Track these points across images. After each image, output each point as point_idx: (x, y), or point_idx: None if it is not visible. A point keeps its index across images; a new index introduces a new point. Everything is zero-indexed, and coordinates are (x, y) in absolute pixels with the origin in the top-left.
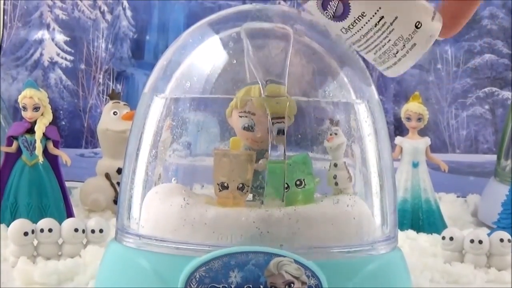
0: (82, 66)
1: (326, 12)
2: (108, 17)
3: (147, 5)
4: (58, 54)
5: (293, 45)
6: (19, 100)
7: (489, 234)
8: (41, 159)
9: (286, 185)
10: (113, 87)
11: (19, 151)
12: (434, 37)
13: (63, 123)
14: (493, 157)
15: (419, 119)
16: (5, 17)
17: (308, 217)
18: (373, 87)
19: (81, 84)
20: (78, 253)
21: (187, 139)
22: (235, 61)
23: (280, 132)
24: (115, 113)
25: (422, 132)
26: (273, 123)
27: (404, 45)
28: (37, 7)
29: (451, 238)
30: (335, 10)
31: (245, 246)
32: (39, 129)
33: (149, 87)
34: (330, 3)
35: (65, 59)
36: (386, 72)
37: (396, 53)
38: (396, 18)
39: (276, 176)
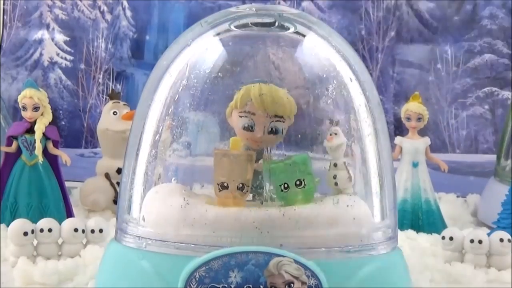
0: (82, 66)
1: None
2: (108, 17)
3: (147, 5)
4: (58, 54)
5: (293, 46)
6: (19, 100)
7: (489, 234)
8: (41, 159)
9: (285, 185)
10: (113, 87)
11: (19, 151)
12: None
13: (63, 123)
14: (493, 157)
15: (419, 119)
16: (5, 17)
17: (308, 217)
18: (373, 87)
19: (81, 84)
20: (78, 253)
21: (187, 139)
22: (234, 61)
23: (273, 131)
24: (115, 113)
25: (422, 132)
26: (270, 122)
27: None
28: (37, 7)
29: (451, 238)
30: None
31: (245, 246)
32: (39, 129)
33: (149, 86)
34: None
35: (65, 59)
36: None
37: None
38: None
39: (274, 176)
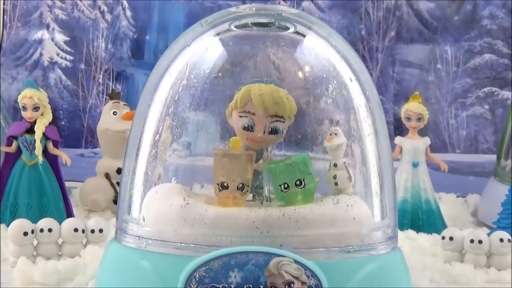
0: (82, 66)
1: None
2: (108, 17)
3: (147, 5)
4: (58, 54)
5: (293, 46)
6: (19, 100)
7: (489, 234)
8: (41, 159)
9: (285, 185)
10: (113, 87)
11: (19, 151)
12: None
13: (63, 123)
14: (493, 157)
15: (419, 119)
16: (5, 17)
17: (308, 217)
18: (373, 87)
19: (81, 84)
20: (78, 253)
21: (187, 139)
22: (234, 61)
23: (273, 131)
24: (115, 113)
25: (422, 132)
26: (270, 122)
27: None
28: (37, 7)
29: (451, 238)
30: None
31: (245, 246)
32: (39, 129)
33: (149, 86)
34: None
35: (65, 59)
36: None
37: None
38: None
39: (274, 176)
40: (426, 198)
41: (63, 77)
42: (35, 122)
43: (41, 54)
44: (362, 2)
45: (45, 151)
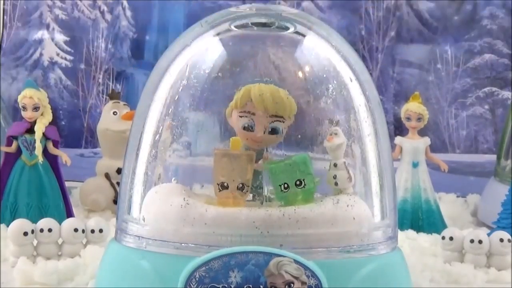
0: (82, 66)
1: None
2: (108, 17)
3: (147, 5)
4: (57, 54)
5: (293, 46)
6: (18, 100)
7: (489, 234)
8: (41, 159)
9: (285, 185)
10: (113, 87)
11: (19, 151)
12: None
13: (63, 123)
14: (493, 157)
15: (419, 119)
16: (5, 17)
17: (308, 217)
18: (373, 87)
19: (81, 84)
20: (78, 253)
21: (187, 139)
22: (234, 61)
23: (273, 131)
24: (115, 113)
25: (422, 132)
26: (270, 122)
27: None
28: (37, 7)
29: (451, 238)
30: None
31: (245, 246)
32: (39, 129)
33: (149, 86)
34: None
35: (65, 59)
36: None
37: None
38: None
39: (274, 176)
40: (426, 198)
41: (63, 77)
42: (35, 122)
43: (41, 54)
44: (362, 2)
45: (45, 151)
